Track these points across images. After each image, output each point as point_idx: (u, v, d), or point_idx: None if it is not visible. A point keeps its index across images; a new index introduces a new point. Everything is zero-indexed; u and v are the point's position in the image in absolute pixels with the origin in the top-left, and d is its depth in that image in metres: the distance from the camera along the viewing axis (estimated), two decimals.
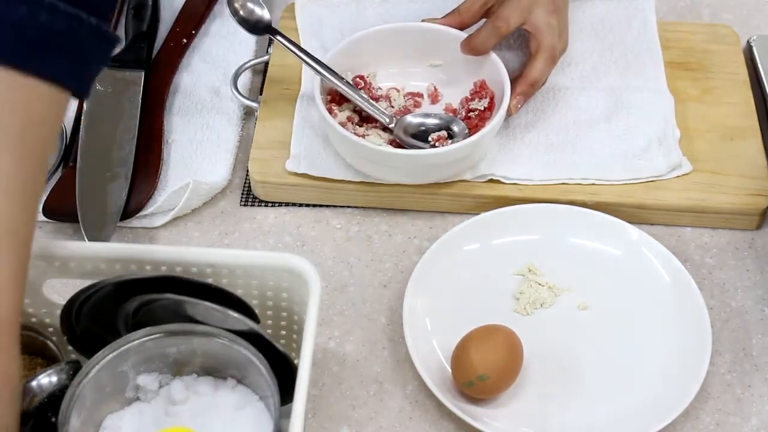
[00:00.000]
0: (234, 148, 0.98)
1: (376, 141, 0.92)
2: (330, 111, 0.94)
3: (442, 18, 0.98)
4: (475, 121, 0.94)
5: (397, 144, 0.93)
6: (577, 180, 0.93)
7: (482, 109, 0.94)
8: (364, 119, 0.96)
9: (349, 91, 0.93)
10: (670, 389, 0.80)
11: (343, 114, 0.95)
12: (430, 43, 0.98)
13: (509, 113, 0.93)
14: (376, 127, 0.95)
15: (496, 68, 0.94)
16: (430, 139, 0.93)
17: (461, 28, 0.97)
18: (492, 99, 0.95)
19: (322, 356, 0.85)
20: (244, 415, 0.74)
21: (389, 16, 1.06)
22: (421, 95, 0.99)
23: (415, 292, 0.85)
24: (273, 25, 0.96)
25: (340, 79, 0.93)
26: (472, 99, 0.96)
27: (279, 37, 0.95)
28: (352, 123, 0.95)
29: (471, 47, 0.95)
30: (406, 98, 0.98)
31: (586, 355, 0.84)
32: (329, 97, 0.96)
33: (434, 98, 0.99)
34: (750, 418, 0.82)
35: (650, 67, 1.01)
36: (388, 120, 0.93)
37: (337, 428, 0.81)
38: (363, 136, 0.93)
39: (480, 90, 0.96)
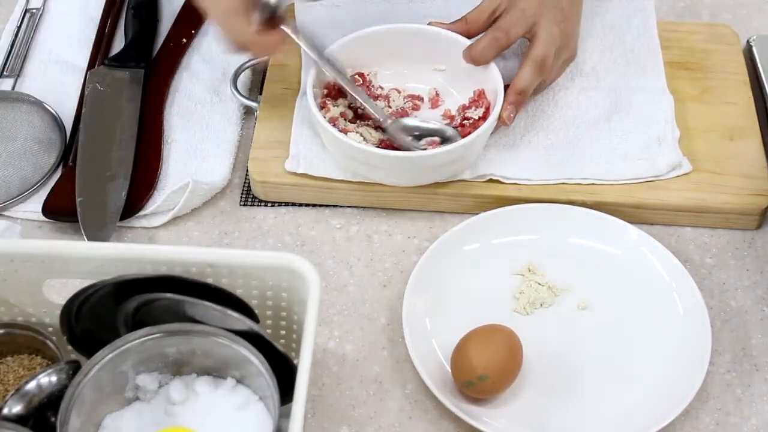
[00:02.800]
0: (234, 147, 0.98)
1: (358, 138, 0.92)
2: (324, 105, 0.93)
3: (449, 24, 0.97)
4: (469, 129, 0.92)
5: (388, 145, 0.93)
6: (577, 180, 0.93)
7: (477, 118, 0.94)
8: (359, 116, 0.95)
9: (346, 86, 0.92)
10: (670, 389, 0.80)
11: (337, 109, 0.94)
12: (436, 48, 0.97)
13: (503, 122, 0.92)
14: (368, 125, 0.94)
15: (493, 78, 0.93)
16: (422, 143, 0.92)
17: (467, 37, 0.96)
18: (487, 109, 0.94)
19: (322, 356, 0.85)
20: (244, 415, 0.74)
21: (389, 15, 1.05)
22: (421, 98, 0.98)
23: (415, 292, 0.85)
24: (279, 13, 0.95)
25: (339, 72, 0.92)
26: (469, 107, 0.95)
27: (282, 25, 0.94)
28: (345, 119, 0.94)
29: (471, 57, 0.94)
30: (406, 100, 0.97)
31: (585, 355, 0.84)
32: (325, 91, 0.95)
33: (434, 103, 0.98)
34: (750, 417, 0.82)
35: (650, 66, 1.01)
36: (382, 119, 0.93)
37: (337, 428, 0.81)
38: (347, 132, 0.92)
39: (478, 99, 0.95)
